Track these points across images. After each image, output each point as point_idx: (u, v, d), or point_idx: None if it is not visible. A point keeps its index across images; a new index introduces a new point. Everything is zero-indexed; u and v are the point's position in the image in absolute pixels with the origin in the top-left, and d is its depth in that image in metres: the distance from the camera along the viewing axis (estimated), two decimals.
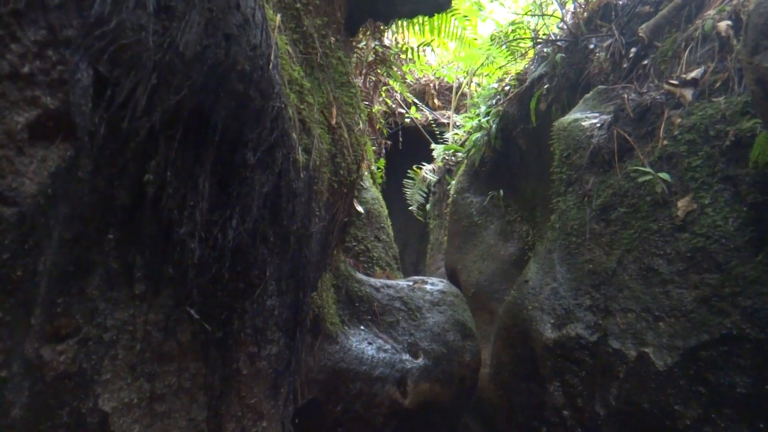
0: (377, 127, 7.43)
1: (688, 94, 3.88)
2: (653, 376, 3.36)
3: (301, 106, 2.17)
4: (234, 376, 1.79)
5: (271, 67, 1.67)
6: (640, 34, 4.39)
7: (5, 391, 1.07)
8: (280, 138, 1.78)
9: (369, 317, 4.90)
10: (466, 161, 7.95)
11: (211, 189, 1.57)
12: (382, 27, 4.41)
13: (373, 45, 4.35)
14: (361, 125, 2.84)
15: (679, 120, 3.79)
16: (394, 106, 10.25)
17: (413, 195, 9.87)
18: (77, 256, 1.28)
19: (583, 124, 4.63)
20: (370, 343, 4.64)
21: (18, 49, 1.02)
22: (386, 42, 5.38)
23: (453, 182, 8.32)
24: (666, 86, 4.05)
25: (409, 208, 9.80)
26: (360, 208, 5.60)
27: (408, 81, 10.37)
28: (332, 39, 2.76)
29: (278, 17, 2.04)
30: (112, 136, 1.27)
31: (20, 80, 1.03)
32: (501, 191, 7.22)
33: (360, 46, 4.30)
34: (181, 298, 1.59)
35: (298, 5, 2.53)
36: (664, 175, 3.65)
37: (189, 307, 1.60)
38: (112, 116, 1.25)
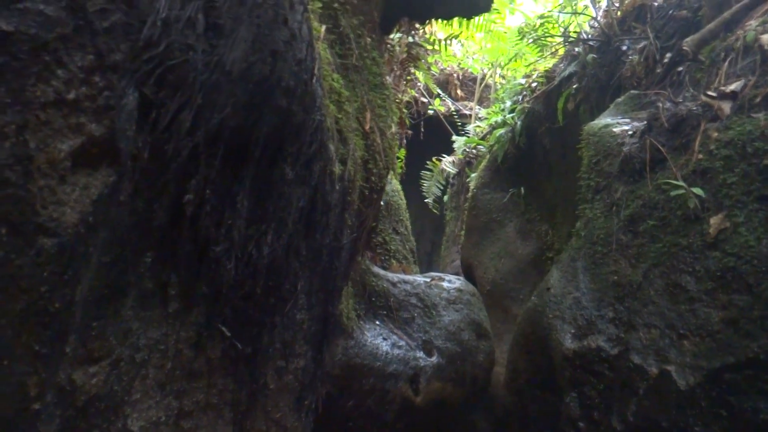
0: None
1: (727, 107, 3.77)
2: (674, 395, 3.30)
3: (339, 116, 2.12)
4: (261, 391, 1.76)
5: (314, 81, 1.62)
6: (685, 48, 4.27)
7: (38, 422, 1.04)
8: (318, 151, 1.73)
9: (385, 312, 4.87)
10: (488, 156, 7.87)
11: (249, 205, 1.53)
12: (417, 25, 4.34)
13: (406, 42, 4.28)
14: (393, 129, 2.78)
15: (716, 134, 3.68)
16: (416, 95, 10.15)
17: (430, 187, 9.79)
18: (113, 278, 1.24)
19: (615, 130, 4.52)
20: (384, 339, 4.62)
21: (64, 75, 0.98)
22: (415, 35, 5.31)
23: (473, 176, 8.24)
24: (704, 98, 3.94)
25: (425, 200, 9.73)
26: (381, 201, 5.56)
27: (432, 71, 10.26)
28: (368, 39, 2.70)
29: (323, 28, 1.98)
30: (155, 158, 1.23)
31: (65, 107, 0.99)
32: (522, 189, 7.15)
33: (391, 41, 4.23)
34: (214, 315, 1.55)
35: (336, 5, 2.47)
36: (697, 190, 3.55)
37: (221, 324, 1.57)
38: (156, 138, 1.21)
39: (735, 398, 3.07)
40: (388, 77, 2.97)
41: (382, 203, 5.82)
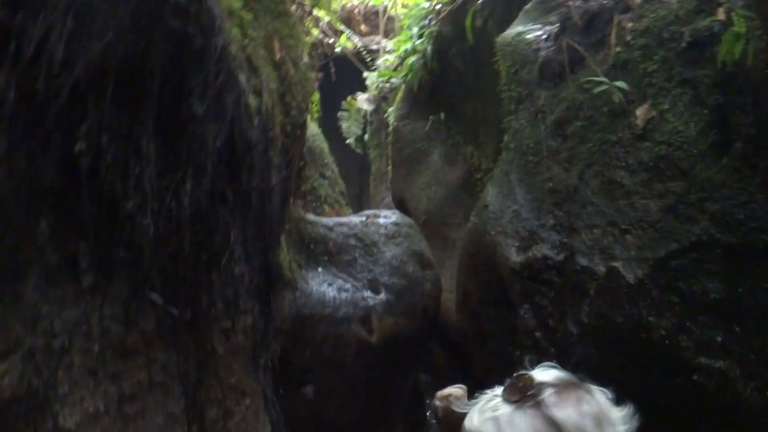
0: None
1: None
2: (624, 289, 3.31)
3: (245, 42, 1.89)
4: (210, 358, 1.58)
5: None
6: None
7: None
8: (228, 81, 1.52)
9: (325, 258, 4.76)
10: (403, 87, 7.70)
11: (157, 150, 1.32)
12: None
13: None
14: (305, 59, 2.56)
15: (631, 24, 3.63)
16: (321, 36, 9.79)
17: (350, 127, 9.57)
18: (4, 256, 1.03)
19: (528, 37, 4.43)
20: (330, 285, 4.53)
21: None
22: None
23: (391, 110, 8.08)
24: None
25: (347, 141, 9.53)
26: (304, 138, 5.34)
27: (333, 8, 9.89)
28: None
29: None
30: (26, 101, 1.00)
31: None
32: (442, 115, 7.04)
33: None
34: (139, 283, 1.35)
35: None
36: (620, 84, 3.51)
37: (149, 291, 1.38)
38: (22, 75, 0.98)
39: (684, 283, 3.10)
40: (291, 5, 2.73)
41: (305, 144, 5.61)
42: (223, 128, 1.51)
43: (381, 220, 5.41)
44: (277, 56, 2.20)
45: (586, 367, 3.45)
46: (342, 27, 9.85)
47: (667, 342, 3.11)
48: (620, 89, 3.49)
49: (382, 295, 4.71)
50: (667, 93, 3.33)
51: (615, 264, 3.37)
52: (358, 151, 9.71)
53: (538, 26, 4.53)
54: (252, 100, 1.73)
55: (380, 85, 9.31)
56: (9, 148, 1.00)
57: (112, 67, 1.17)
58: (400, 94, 7.86)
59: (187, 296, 1.51)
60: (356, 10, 11.74)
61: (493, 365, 4.16)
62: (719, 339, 2.96)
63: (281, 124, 2.21)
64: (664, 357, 3.13)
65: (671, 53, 3.35)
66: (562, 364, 3.52)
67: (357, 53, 10.51)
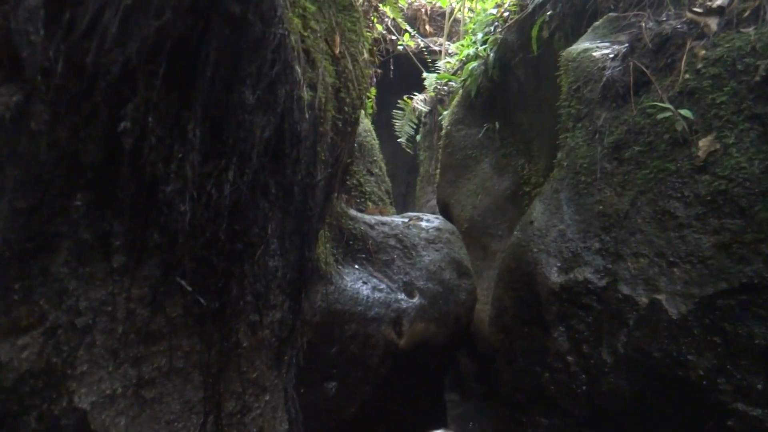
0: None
1: (713, 23, 3.58)
2: (665, 324, 3.21)
3: (305, 33, 1.85)
4: (233, 350, 1.56)
5: None
6: None
7: None
8: (283, 72, 1.48)
9: (363, 256, 4.72)
10: (461, 91, 7.63)
11: (203, 136, 1.30)
12: None
13: None
14: (365, 55, 2.53)
15: (703, 52, 3.49)
16: (384, 32, 9.79)
17: (403, 126, 9.55)
18: (37, 228, 1.01)
19: (595, 54, 4.31)
20: (365, 283, 4.49)
21: None
22: None
23: (446, 113, 8.02)
24: (689, 14, 3.73)
25: (398, 140, 9.50)
26: (355, 135, 5.32)
27: (399, 5, 9.87)
28: None
29: None
30: (75, 74, 0.98)
31: None
32: (496, 123, 6.96)
33: None
34: (170, 268, 1.33)
35: None
36: (685, 112, 3.38)
37: (179, 277, 1.36)
38: (73, 48, 0.96)
39: (729, 324, 2.98)
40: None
41: (355, 144, 5.59)
42: (272, 119, 1.48)
43: (423, 224, 5.35)
44: (337, 50, 2.17)
45: (616, 397, 3.35)
46: (406, 26, 9.83)
47: (704, 383, 3.01)
48: (684, 118, 3.37)
49: (416, 300, 4.66)
50: (733, 127, 3.20)
51: (658, 296, 3.26)
52: (409, 151, 9.67)
53: (606, 44, 4.41)
54: (306, 94, 1.70)
55: (438, 87, 9.27)
56: (52, 119, 0.99)
57: (166, 48, 1.14)
58: (456, 99, 7.81)
59: (217, 286, 1.48)
60: (422, 10, 11.71)
61: (520, 384, 4.07)
62: (759, 386, 2.85)
63: (333, 119, 2.18)
64: (700, 398, 3.02)
65: (743, 86, 3.21)
66: (592, 392, 3.44)
67: (418, 53, 10.49)
